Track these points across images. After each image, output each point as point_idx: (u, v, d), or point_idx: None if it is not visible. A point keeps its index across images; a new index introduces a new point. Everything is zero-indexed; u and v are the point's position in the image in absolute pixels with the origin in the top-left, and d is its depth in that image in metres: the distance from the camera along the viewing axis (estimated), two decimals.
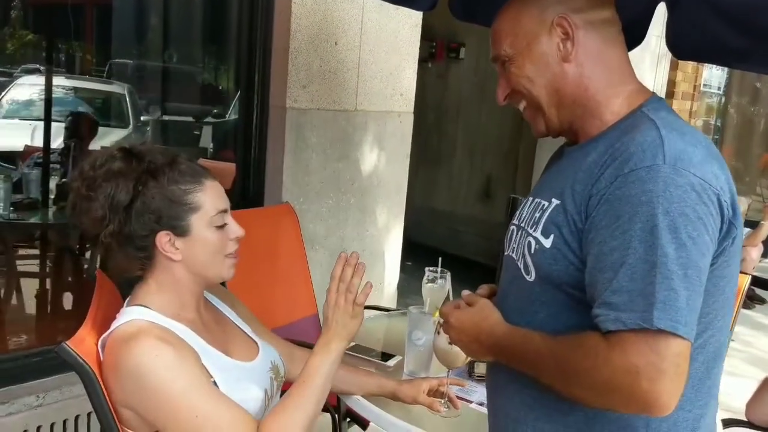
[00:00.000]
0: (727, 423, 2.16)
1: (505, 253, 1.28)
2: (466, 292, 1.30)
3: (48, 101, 3.92)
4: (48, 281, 3.76)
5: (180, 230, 1.38)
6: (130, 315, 1.38)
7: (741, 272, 3.68)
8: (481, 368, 1.94)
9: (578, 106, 1.17)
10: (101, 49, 7.95)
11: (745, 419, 2.17)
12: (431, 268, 2.25)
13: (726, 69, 6.75)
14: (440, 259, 2.27)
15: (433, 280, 2.23)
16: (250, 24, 2.84)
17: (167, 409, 1.29)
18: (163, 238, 1.38)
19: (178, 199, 1.38)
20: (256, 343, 1.62)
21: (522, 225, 1.21)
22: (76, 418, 2.36)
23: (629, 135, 1.05)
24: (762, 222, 5.87)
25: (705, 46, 2.06)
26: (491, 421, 1.31)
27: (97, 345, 1.42)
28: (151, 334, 1.33)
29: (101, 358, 1.39)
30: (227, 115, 7.94)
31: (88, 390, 1.35)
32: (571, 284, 1.08)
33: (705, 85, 6.62)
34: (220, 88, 9.82)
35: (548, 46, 1.16)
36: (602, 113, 1.16)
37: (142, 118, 8.06)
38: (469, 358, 1.75)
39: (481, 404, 1.80)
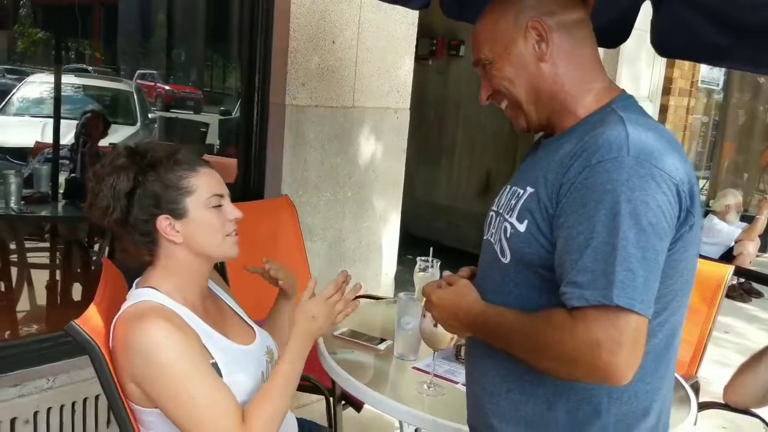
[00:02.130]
0: (704, 405, 2.26)
1: (484, 237, 1.38)
2: (447, 273, 1.40)
3: (57, 99, 4.04)
4: (58, 272, 3.88)
5: (177, 213, 1.49)
6: (140, 296, 1.49)
7: (736, 266, 3.72)
8: None
9: (555, 101, 1.26)
10: (108, 48, 8.09)
11: (722, 402, 2.26)
12: (423, 258, 2.35)
13: None
14: (431, 248, 2.38)
15: (424, 269, 2.34)
16: (251, 24, 2.94)
17: (169, 387, 1.39)
18: (163, 222, 1.49)
19: (174, 184, 1.49)
20: (253, 328, 1.72)
21: (500, 211, 1.31)
22: (84, 400, 2.47)
23: (598, 129, 1.14)
24: (758, 216, 5.94)
25: (688, 43, 2.13)
26: (469, 393, 1.41)
27: (104, 325, 1.54)
28: (161, 315, 1.43)
29: (112, 336, 1.50)
30: (233, 113, 8.12)
31: (95, 365, 1.46)
32: (542, 266, 1.17)
33: (703, 81, 6.68)
34: (226, 86, 9.97)
35: (524, 48, 1.25)
36: (576, 108, 1.25)
37: (149, 116, 8.22)
38: (454, 341, 1.86)
39: (465, 385, 1.90)
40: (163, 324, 1.41)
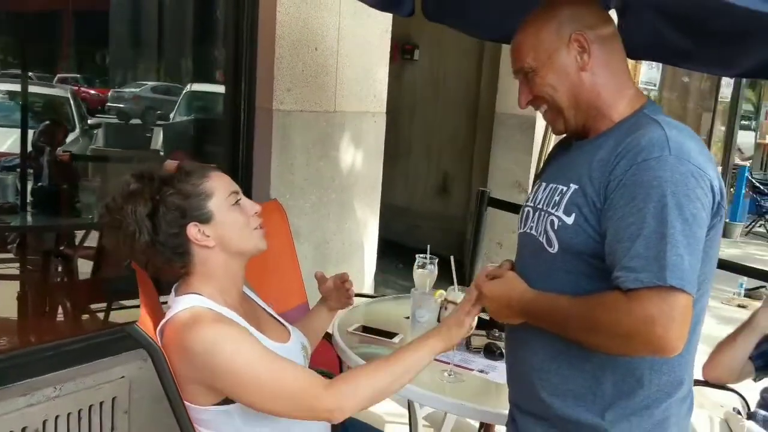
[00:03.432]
0: None
1: (521, 231, 1.50)
2: (491, 266, 1.52)
3: (24, 107, 3.98)
4: (34, 282, 3.82)
5: (204, 218, 1.56)
6: (187, 302, 1.53)
7: None
8: (476, 341, 2.17)
9: (592, 108, 1.40)
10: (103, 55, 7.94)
11: (701, 379, 2.45)
12: (421, 255, 2.47)
13: (660, 67, 7.17)
14: (428, 246, 2.50)
15: (422, 266, 2.46)
16: (235, 33, 2.98)
17: (242, 376, 1.43)
18: (192, 230, 1.55)
19: (193, 192, 1.56)
20: (286, 326, 1.80)
21: (539, 206, 1.44)
22: (90, 407, 2.47)
23: (639, 132, 1.29)
24: None
25: (653, 46, 2.29)
26: (513, 372, 1.53)
27: (153, 328, 1.59)
28: (213, 319, 1.49)
29: (160, 342, 1.55)
30: (171, 118, 8.07)
31: (157, 366, 1.51)
32: (589, 254, 1.31)
33: (643, 81, 7.04)
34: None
35: (567, 58, 1.38)
36: (611, 114, 1.39)
37: (89, 122, 8.06)
38: (472, 331, 1.98)
39: (481, 371, 2.04)
40: (216, 325, 1.48)
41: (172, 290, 1.63)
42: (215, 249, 1.58)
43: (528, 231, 1.47)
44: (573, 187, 1.36)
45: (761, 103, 13.75)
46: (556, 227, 1.36)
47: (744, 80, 9.71)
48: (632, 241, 1.21)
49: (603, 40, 1.40)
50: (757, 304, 3.02)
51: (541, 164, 2.37)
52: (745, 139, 12.47)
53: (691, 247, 1.21)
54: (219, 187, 1.59)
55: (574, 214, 1.33)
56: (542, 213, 1.42)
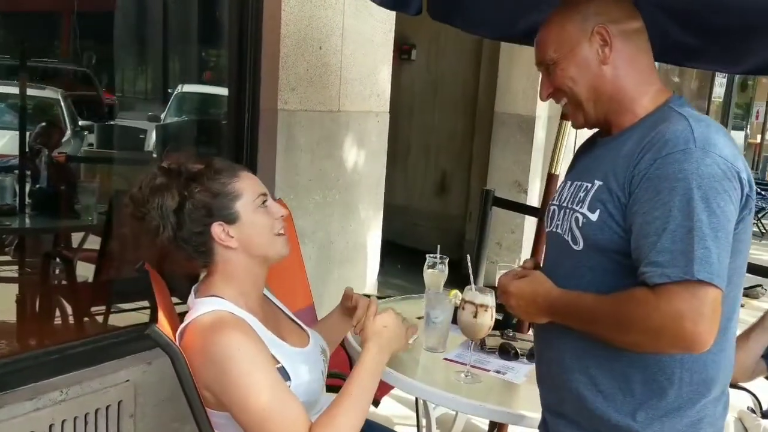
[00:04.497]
0: None
1: (548, 230, 1.49)
2: (528, 263, 1.51)
3: (23, 109, 3.93)
4: (34, 284, 3.78)
5: (230, 218, 1.53)
6: (209, 305, 1.50)
7: None
8: (491, 342, 2.15)
9: (614, 102, 1.39)
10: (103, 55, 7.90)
11: None
12: (431, 255, 2.45)
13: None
14: (438, 246, 2.48)
15: (433, 266, 2.44)
16: (239, 31, 2.94)
17: (240, 396, 1.41)
18: (217, 229, 1.52)
19: (221, 191, 1.53)
20: (305, 330, 1.77)
21: (564, 204, 1.42)
22: (96, 410, 2.43)
23: (663, 125, 1.27)
24: None
25: (658, 45, 2.29)
26: (543, 372, 1.51)
27: (171, 330, 1.56)
28: (235, 327, 1.46)
29: (179, 343, 1.52)
30: (162, 119, 8.00)
31: (177, 367, 1.48)
32: (614, 250, 1.29)
33: None
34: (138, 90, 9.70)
35: (589, 50, 1.38)
36: (634, 108, 1.38)
37: (80, 123, 7.98)
38: (489, 331, 1.96)
39: (497, 372, 2.02)
40: (238, 335, 1.44)
41: (192, 291, 1.60)
42: (237, 250, 1.55)
43: (554, 229, 1.46)
44: (597, 183, 1.34)
45: (752, 103, 13.85)
46: (580, 224, 1.35)
47: (735, 80, 9.77)
48: (658, 236, 1.20)
49: (627, 35, 1.38)
50: (754, 302, 3.03)
51: (556, 162, 2.36)
52: (736, 139, 12.56)
53: (719, 240, 1.19)
54: (248, 188, 1.56)
55: (598, 210, 1.32)
56: (567, 211, 1.41)
